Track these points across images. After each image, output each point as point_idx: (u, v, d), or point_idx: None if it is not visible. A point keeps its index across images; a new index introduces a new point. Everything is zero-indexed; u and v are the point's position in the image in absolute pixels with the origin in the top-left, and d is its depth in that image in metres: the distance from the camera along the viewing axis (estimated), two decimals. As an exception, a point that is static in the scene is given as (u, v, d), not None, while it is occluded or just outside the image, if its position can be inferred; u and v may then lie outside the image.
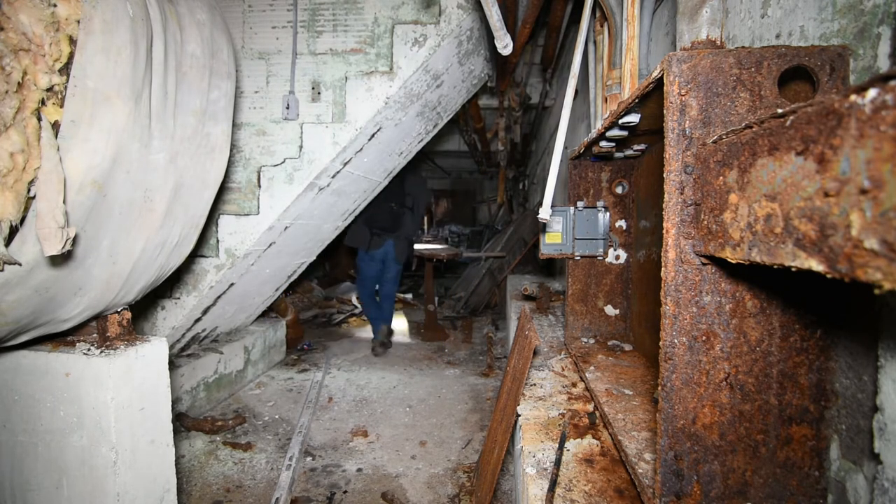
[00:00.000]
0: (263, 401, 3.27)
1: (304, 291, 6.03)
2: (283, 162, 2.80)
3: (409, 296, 6.82)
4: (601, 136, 1.50)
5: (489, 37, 3.06)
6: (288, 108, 2.77)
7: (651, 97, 1.08)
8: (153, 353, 1.64)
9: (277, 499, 2.10)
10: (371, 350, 4.37)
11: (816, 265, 0.51)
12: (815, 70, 0.83)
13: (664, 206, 0.87)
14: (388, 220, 4.14)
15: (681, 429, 0.87)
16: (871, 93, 0.41)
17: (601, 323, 2.08)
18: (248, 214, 2.81)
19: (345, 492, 2.23)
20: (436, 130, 3.87)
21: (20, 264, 1.12)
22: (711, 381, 0.86)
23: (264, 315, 4.07)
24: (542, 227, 1.91)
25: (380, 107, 2.76)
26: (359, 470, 2.42)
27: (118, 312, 1.65)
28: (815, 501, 0.89)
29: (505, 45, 2.23)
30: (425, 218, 4.60)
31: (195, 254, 2.75)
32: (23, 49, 1.05)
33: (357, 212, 3.89)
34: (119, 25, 1.20)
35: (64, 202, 1.09)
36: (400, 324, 5.54)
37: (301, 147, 2.79)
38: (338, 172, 2.97)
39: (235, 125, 2.68)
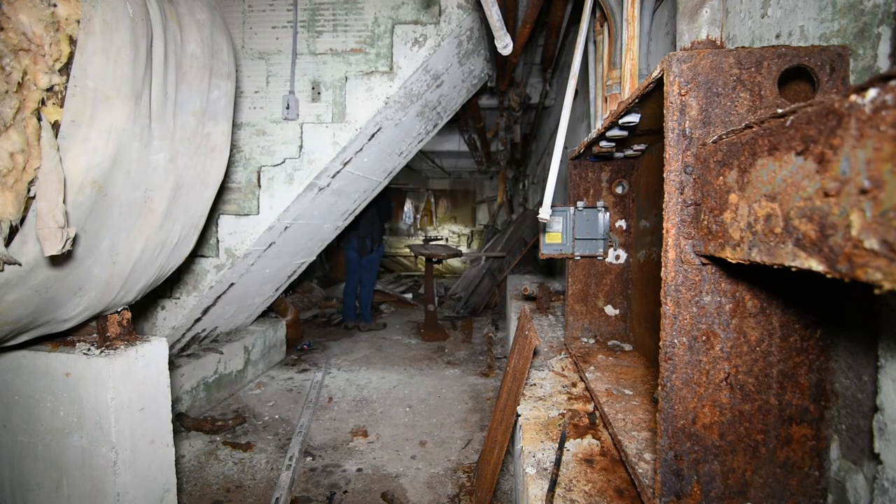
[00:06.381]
0: (263, 401, 3.27)
1: (304, 291, 6.03)
2: (283, 162, 2.80)
3: (409, 296, 6.82)
4: (601, 136, 1.50)
5: (489, 37, 3.06)
6: (288, 108, 2.76)
7: (651, 97, 1.08)
8: (153, 353, 1.64)
9: (277, 499, 2.10)
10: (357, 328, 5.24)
11: (816, 265, 0.51)
12: (815, 70, 0.83)
13: (664, 206, 0.87)
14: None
15: (681, 429, 0.87)
16: (871, 93, 0.41)
17: (601, 323, 2.08)
18: (248, 214, 2.80)
19: (345, 492, 2.23)
20: (436, 130, 3.87)
21: (20, 264, 1.12)
22: (711, 381, 0.86)
23: (264, 315, 4.07)
24: (542, 227, 1.91)
25: (380, 107, 2.76)
26: (359, 470, 2.42)
27: (118, 312, 1.65)
28: (815, 501, 0.89)
29: (505, 45, 2.23)
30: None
31: (195, 254, 2.75)
32: (23, 49, 1.05)
33: (357, 212, 3.89)
34: (119, 25, 1.20)
35: (64, 202, 1.09)
36: (399, 324, 5.55)
37: (301, 147, 2.79)
38: (338, 172, 2.97)
39: (235, 125, 2.68)
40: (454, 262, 9.91)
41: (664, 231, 0.86)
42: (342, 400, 3.32)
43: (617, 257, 2.02)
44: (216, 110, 1.72)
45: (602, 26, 1.94)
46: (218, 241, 2.80)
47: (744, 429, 0.87)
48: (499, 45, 2.22)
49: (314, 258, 3.84)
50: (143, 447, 1.59)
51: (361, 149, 2.99)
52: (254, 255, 2.94)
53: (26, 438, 1.51)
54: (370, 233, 5.01)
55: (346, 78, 2.78)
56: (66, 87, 1.12)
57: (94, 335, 1.63)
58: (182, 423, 2.70)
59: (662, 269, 0.87)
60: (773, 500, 0.89)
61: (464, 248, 12.81)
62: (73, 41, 1.12)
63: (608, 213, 1.98)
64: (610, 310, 2.07)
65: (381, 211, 5.03)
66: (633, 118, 1.27)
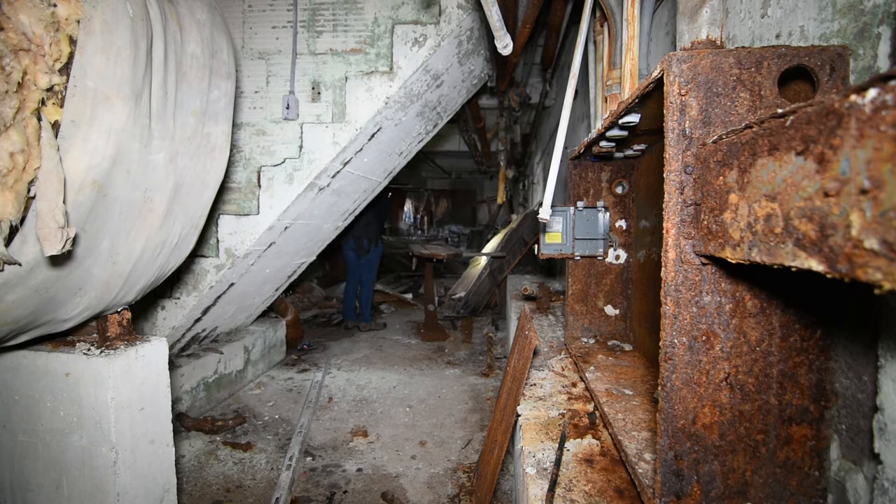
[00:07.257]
0: (263, 401, 3.27)
1: (304, 291, 6.03)
2: (283, 162, 2.80)
3: (409, 296, 6.81)
4: (601, 136, 1.50)
5: (489, 37, 3.06)
6: (288, 108, 2.76)
7: (651, 97, 1.08)
8: (153, 353, 1.64)
9: (277, 499, 2.10)
10: (357, 328, 5.27)
11: (816, 265, 0.51)
12: (815, 70, 0.83)
13: (664, 206, 0.87)
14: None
15: (681, 429, 0.87)
16: (871, 93, 0.41)
17: (601, 323, 2.08)
18: (248, 214, 2.81)
19: (345, 492, 2.23)
20: (436, 130, 3.87)
21: (20, 264, 1.12)
22: (711, 381, 0.86)
23: (264, 315, 4.07)
24: (542, 227, 1.91)
25: (380, 107, 2.76)
26: (359, 470, 2.42)
27: (118, 312, 1.65)
28: (815, 501, 0.89)
29: (505, 45, 2.23)
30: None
31: (195, 254, 2.75)
32: (23, 49, 1.05)
33: (357, 211, 3.89)
34: (119, 25, 1.20)
35: (64, 202, 1.09)
36: (399, 324, 5.55)
37: (301, 147, 2.79)
38: (338, 172, 2.97)
39: (235, 125, 2.68)
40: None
41: (664, 231, 0.86)
42: (342, 400, 3.32)
43: (617, 257, 2.02)
44: (216, 110, 1.72)
45: (602, 26, 1.94)
46: (218, 241, 2.80)
47: (744, 429, 0.87)
48: (499, 45, 2.22)
49: (314, 258, 3.84)
50: (143, 447, 1.59)
51: (361, 149, 2.99)
52: (254, 255, 2.94)
53: (26, 438, 1.51)
54: (367, 232, 5.01)
55: (346, 78, 2.78)
56: (66, 87, 1.12)
57: (94, 335, 1.63)
58: (182, 423, 2.70)
59: (662, 269, 0.87)
60: (773, 500, 0.89)
61: (464, 249, 12.79)
62: (73, 41, 1.12)
63: (608, 213, 1.98)
64: (610, 310, 2.07)
65: (379, 211, 5.04)
66: (633, 118, 1.27)
